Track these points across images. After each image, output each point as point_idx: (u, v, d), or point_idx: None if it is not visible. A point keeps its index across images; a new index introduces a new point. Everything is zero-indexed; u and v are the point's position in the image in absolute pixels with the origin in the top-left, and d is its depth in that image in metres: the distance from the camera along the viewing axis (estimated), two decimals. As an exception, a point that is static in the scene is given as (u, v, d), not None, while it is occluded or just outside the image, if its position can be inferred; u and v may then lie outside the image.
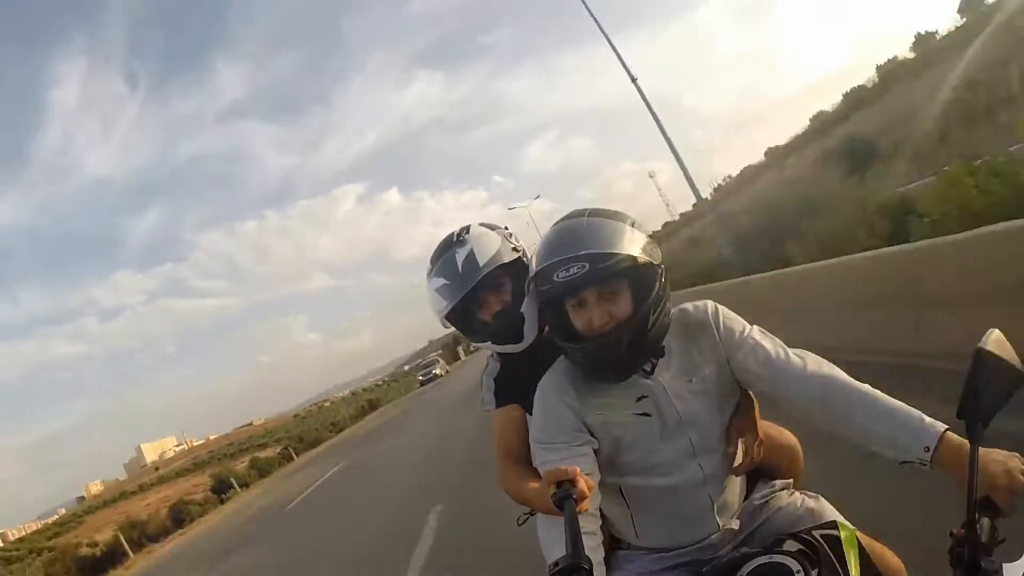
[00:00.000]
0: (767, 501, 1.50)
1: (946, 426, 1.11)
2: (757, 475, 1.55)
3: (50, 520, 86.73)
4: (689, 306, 1.45)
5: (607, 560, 1.50)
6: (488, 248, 1.70)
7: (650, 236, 1.33)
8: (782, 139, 41.41)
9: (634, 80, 16.11)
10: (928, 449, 1.10)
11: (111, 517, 56.75)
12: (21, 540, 66.02)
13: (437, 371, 48.86)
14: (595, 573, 1.10)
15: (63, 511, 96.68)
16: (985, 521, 0.96)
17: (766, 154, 43.28)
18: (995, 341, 1.05)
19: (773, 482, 1.54)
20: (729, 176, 48.50)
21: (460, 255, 1.69)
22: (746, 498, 1.50)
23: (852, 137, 20.16)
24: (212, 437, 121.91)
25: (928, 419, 1.13)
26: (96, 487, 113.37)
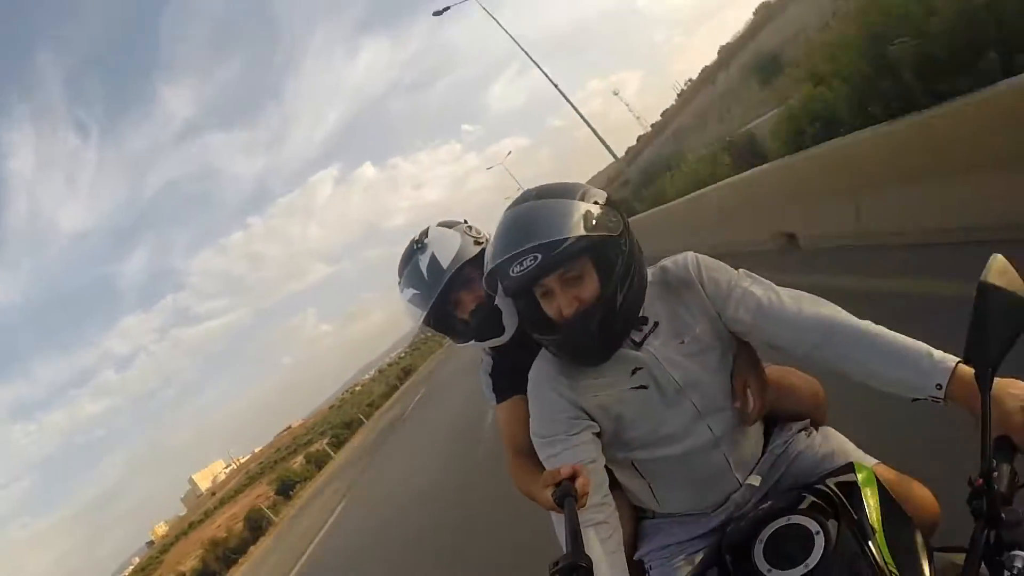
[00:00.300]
0: (786, 447, 1.43)
1: (957, 359, 1.04)
2: (774, 421, 1.48)
3: (126, 572, 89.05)
4: (668, 263, 1.38)
5: (636, 530, 1.49)
6: (449, 248, 1.67)
7: (605, 203, 1.23)
8: (734, 32, 40.72)
9: (566, 98, 20.34)
10: (940, 386, 1.03)
11: (187, 549, 58.25)
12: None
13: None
14: (608, 562, 1.15)
15: (136, 559, 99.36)
16: (1004, 467, 0.91)
17: (719, 52, 42.62)
18: (998, 271, 0.95)
19: (790, 425, 1.48)
20: (690, 79, 47.66)
21: (423, 261, 1.66)
22: (765, 447, 1.44)
23: (759, 52, 24.41)
24: (257, 450, 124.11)
25: (937, 353, 1.06)
26: (161, 528, 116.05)
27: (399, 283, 1.73)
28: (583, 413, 1.32)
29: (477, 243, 1.71)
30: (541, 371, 1.37)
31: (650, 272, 1.35)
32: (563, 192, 1.23)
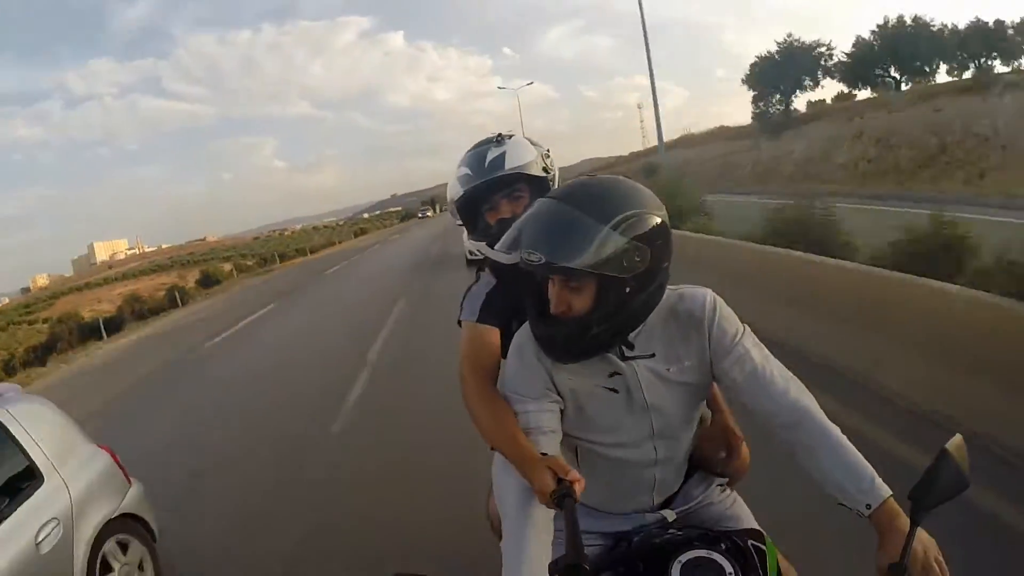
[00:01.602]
0: (701, 495, 1.55)
1: (890, 492, 1.18)
2: (696, 466, 1.59)
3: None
4: (687, 292, 1.40)
5: None
6: (520, 156, 1.70)
7: (640, 238, 1.21)
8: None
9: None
10: (869, 507, 1.17)
11: (82, 301, 59.52)
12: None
13: (429, 213, 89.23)
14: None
15: (7, 300, 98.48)
16: None
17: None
18: (957, 447, 1.17)
19: (711, 477, 1.59)
20: (691, 132, 53.04)
21: (492, 152, 1.70)
22: (683, 484, 1.56)
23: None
24: (164, 247, 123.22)
25: (878, 480, 1.19)
26: (42, 280, 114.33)
27: (459, 161, 1.77)
28: (555, 388, 1.38)
29: (545, 170, 1.73)
30: (531, 335, 1.40)
31: (665, 294, 1.36)
32: (600, 209, 1.21)
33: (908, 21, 40.25)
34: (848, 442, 1.26)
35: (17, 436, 3.10)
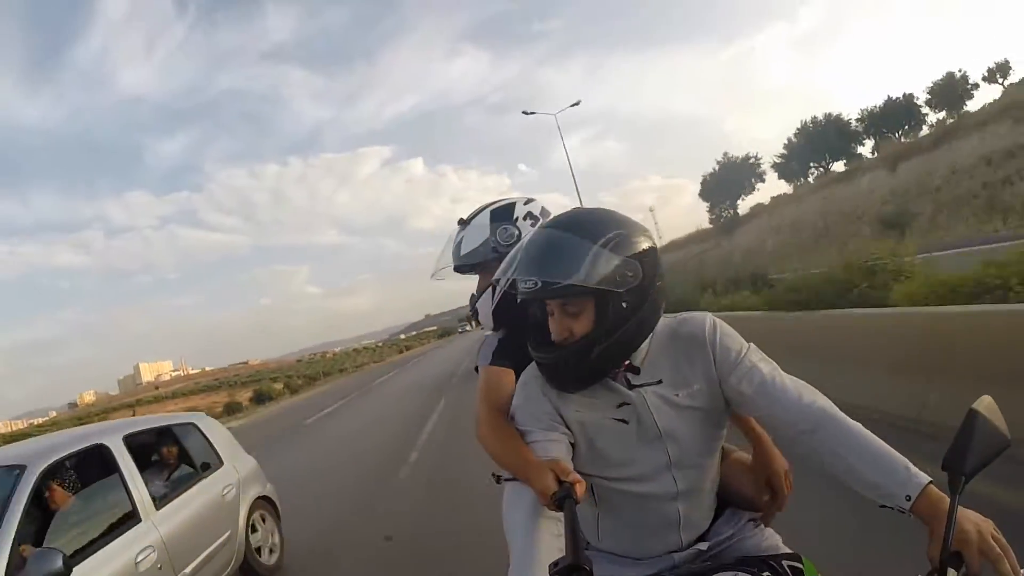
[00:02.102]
0: (733, 531, 1.47)
1: (929, 479, 1.09)
2: (727, 503, 1.52)
3: (39, 420, 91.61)
4: (687, 316, 1.41)
5: None
6: (471, 243, 1.81)
7: (632, 255, 1.25)
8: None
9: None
10: (909, 498, 1.08)
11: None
12: (38, 427, 71.09)
13: (468, 328, 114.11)
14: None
15: (54, 413, 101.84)
16: (952, 572, 1.00)
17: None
18: (987, 406, 1.09)
19: (742, 513, 1.51)
20: (702, 228, 62.48)
21: (456, 237, 1.84)
22: (712, 522, 1.48)
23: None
24: (208, 369, 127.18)
25: (913, 469, 1.10)
26: (89, 396, 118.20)
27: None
28: (562, 421, 1.36)
29: (496, 250, 1.80)
30: (536, 371, 1.40)
31: (665, 321, 1.38)
32: (589, 230, 1.25)
33: (821, 119, 51.75)
34: (874, 436, 1.18)
35: (207, 436, 5.03)
